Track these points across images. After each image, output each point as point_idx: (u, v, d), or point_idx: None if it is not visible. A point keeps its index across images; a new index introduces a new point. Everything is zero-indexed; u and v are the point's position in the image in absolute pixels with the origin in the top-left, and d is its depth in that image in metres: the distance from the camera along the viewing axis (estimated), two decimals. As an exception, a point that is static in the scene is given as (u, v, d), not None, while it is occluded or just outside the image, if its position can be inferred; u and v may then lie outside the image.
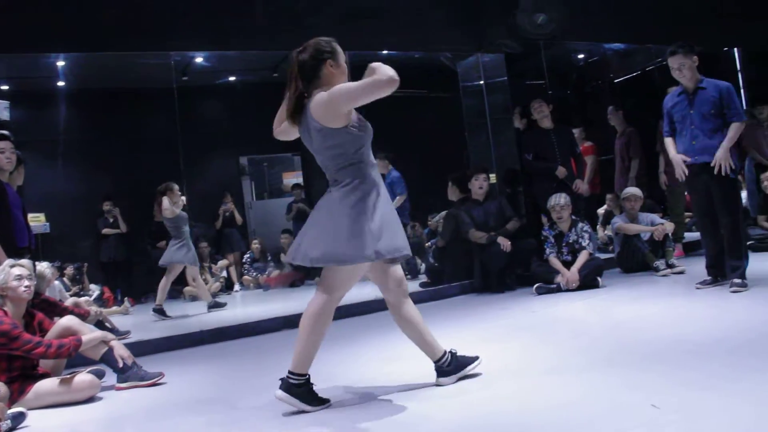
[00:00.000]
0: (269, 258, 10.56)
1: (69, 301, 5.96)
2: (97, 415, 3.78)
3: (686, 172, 5.15)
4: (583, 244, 6.41)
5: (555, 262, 6.39)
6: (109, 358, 4.25)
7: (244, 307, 8.61)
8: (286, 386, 3.15)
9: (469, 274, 7.19)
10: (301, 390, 3.15)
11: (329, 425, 2.98)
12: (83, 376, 4.06)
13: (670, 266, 6.57)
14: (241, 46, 7.47)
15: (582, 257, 6.31)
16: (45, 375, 4.14)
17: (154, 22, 6.59)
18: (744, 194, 8.14)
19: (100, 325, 5.92)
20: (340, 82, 3.14)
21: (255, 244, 10.65)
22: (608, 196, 9.02)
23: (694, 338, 3.70)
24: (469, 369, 3.39)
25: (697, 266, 5.93)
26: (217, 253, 10.49)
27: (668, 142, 5.34)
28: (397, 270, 3.31)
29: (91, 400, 4.03)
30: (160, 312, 7.48)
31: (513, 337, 4.51)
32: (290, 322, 6.26)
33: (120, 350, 4.30)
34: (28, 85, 9.66)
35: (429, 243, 8.32)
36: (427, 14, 7.69)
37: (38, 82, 9.69)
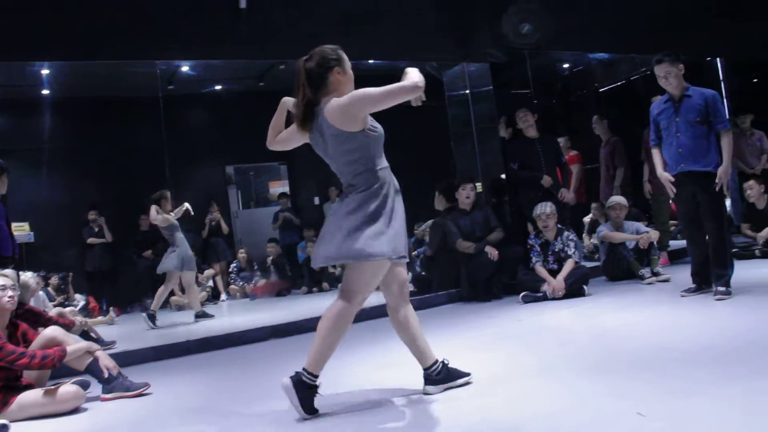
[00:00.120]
0: (255, 267, 10.52)
1: (53, 311, 5.89)
2: (82, 426, 3.74)
3: (674, 190, 5.21)
4: (569, 252, 6.44)
5: (541, 270, 6.41)
6: (94, 369, 4.20)
7: (231, 316, 8.57)
8: (297, 380, 3.12)
9: (455, 283, 7.20)
10: (306, 392, 3.12)
11: (316, 435, 2.96)
12: (68, 387, 4.01)
13: (655, 274, 6.60)
14: (227, 56, 7.47)
15: (568, 266, 6.34)
16: (29, 386, 4.09)
17: (140, 31, 6.58)
18: (728, 202, 8.20)
19: (85, 335, 5.87)
20: (348, 89, 3.16)
21: (241, 254, 10.62)
22: (593, 204, 9.05)
23: (680, 346, 3.72)
24: (458, 383, 3.38)
25: (682, 274, 5.98)
26: (203, 263, 10.42)
27: (655, 154, 5.37)
28: (402, 272, 3.33)
29: (75, 411, 3.99)
30: (152, 318, 7.43)
31: (500, 345, 4.52)
32: (277, 331, 6.25)
33: (105, 360, 4.25)
34: (13, 93, 9.62)
35: (416, 252, 8.32)
36: (413, 24, 7.73)
37: (22, 90, 9.63)
